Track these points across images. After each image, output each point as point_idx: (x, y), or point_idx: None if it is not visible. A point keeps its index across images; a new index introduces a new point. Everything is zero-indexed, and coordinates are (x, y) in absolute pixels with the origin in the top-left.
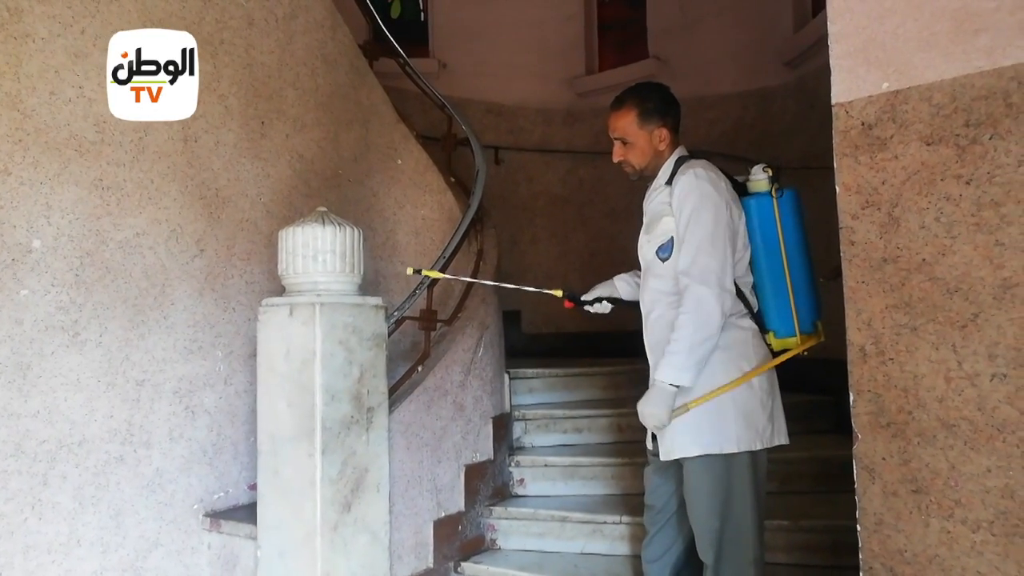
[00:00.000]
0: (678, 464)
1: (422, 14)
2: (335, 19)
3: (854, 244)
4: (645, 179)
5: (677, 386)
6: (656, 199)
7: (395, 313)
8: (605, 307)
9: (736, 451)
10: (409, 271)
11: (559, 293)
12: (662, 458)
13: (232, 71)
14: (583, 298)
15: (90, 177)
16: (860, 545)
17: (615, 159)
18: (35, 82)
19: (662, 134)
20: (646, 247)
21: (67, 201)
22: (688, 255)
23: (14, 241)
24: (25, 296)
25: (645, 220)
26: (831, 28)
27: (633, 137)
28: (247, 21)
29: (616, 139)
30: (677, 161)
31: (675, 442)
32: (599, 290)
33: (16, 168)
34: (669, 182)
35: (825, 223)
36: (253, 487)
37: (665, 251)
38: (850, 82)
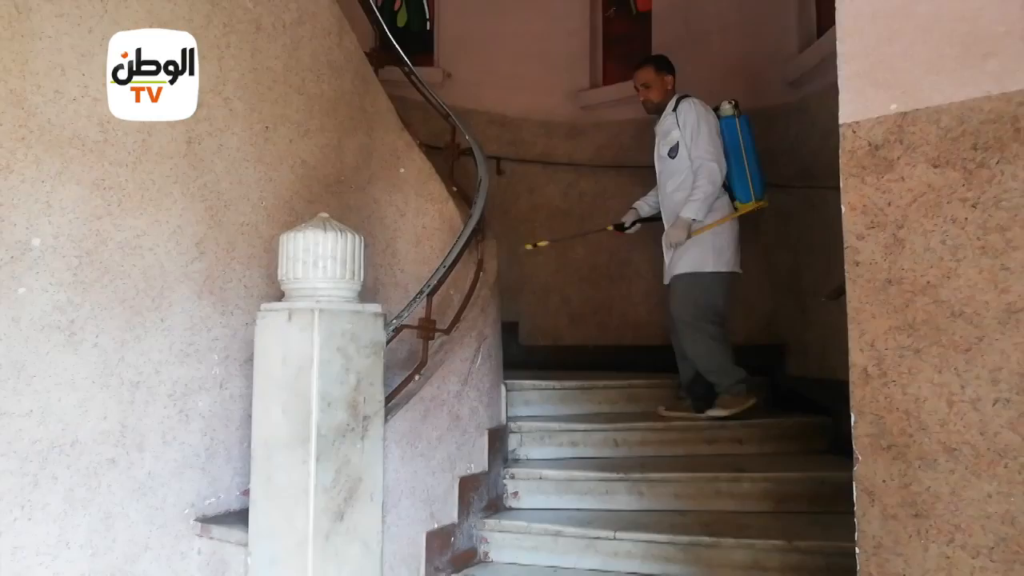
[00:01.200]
0: None
1: (428, 23)
2: (342, 26)
3: (859, 264)
4: (656, 112)
5: (694, 219)
6: (667, 122)
7: (394, 321)
8: (637, 227)
9: (712, 270)
10: (528, 247)
11: (610, 227)
12: (667, 280)
13: (238, 75)
14: (625, 224)
15: (92, 177)
16: (858, 568)
17: (641, 98)
18: (40, 80)
19: (669, 80)
20: (662, 150)
21: (68, 200)
22: (700, 147)
23: (13, 239)
24: (22, 294)
25: (658, 140)
26: (840, 48)
27: (652, 82)
28: (254, 26)
29: (641, 86)
30: (678, 97)
31: (675, 266)
32: (630, 215)
33: (18, 166)
34: (675, 109)
35: (826, 242)
36: (245, 493)
37: (673, 152)
38: (858, 102)
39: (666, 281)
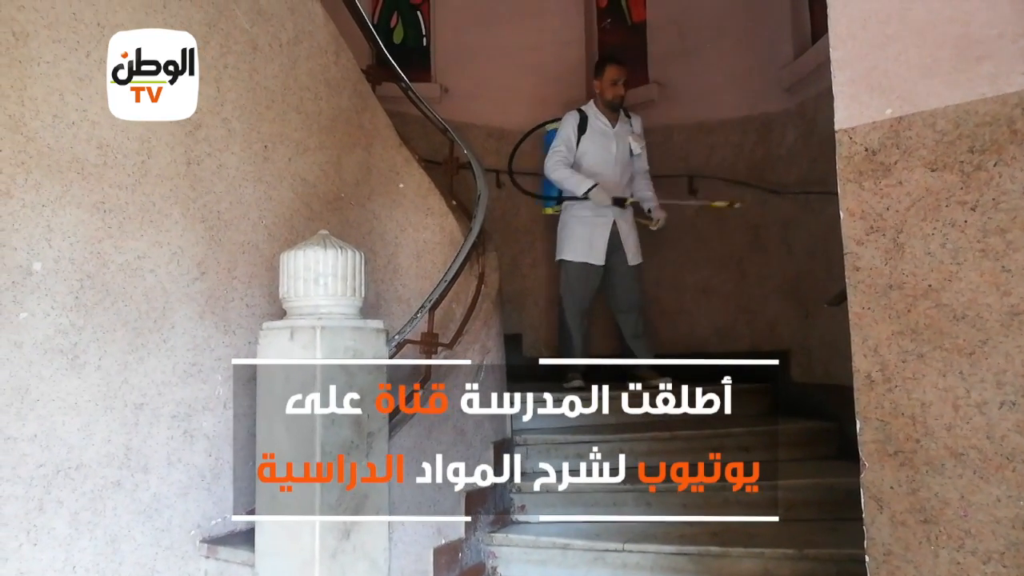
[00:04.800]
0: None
1: (424, 39)
2: (339, 44)
3: (859, 270)
4: (618, 110)
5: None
6: (626, 126)
7: (396, 336)
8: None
9: None
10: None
11: (716, 204)
12: (602, 261)
13: (236, 95)
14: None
15: (92, 200)
16: None
17: (621, 93)
18: (39, 105)
19: None
20: (626, 148)
21: (68, 224)
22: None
23: (15, 263)
24: (24, 319)
25: (617, 138)
26: (834, 55)
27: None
28: (251, 46)
29: (623, 83)
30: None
31: (632, 254)
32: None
33: (18, 191)
34: (629, 116)
35: (826, 248)
36: (251, 512)
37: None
38: (853, 108)
39: (601, 262)
